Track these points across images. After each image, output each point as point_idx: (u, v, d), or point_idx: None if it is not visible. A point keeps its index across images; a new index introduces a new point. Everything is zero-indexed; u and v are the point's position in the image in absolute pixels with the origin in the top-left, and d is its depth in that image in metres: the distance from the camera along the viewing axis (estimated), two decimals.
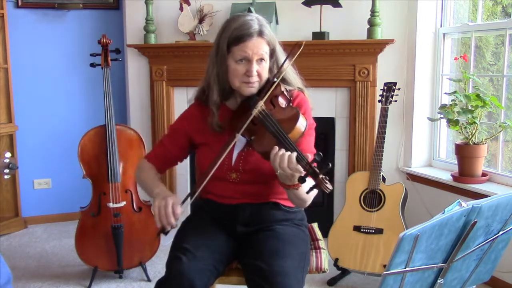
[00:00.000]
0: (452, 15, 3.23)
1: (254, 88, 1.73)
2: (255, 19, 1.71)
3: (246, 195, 1.78)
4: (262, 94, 1.70)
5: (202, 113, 1.83)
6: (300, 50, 1.74)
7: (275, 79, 1.74)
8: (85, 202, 2.95)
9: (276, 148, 1.54)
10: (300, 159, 1.48)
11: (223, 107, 1.81)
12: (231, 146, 1.69)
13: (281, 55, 1.79)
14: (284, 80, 1.80)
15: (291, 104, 1.76)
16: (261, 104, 1.66)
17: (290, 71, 1.81)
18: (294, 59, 1.76)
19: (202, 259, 1.65)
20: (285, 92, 1.74)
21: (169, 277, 1.62)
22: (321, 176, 1.43)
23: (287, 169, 1.50)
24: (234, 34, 1.68)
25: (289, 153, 1.51)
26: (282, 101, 1.73)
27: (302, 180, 1.45)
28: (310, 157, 1.49)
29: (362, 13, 3.27)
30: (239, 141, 1.76)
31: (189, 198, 1.71)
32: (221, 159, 1.68)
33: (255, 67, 1.69)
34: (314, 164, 1.47)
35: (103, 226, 2.83)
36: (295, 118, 1.62)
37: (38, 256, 3.31)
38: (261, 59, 1.70)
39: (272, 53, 1.76)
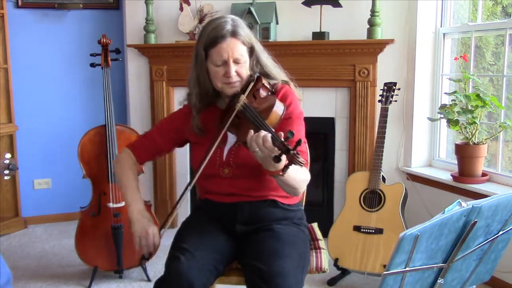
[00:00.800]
0: (452, 15, 3.23)
1: (235, 87, 1.75)
2: (229, 21, 1.73)
3: (242, 190, 1.78)
4: (245, 89, 1.73)
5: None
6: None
7: (256, 74, 1.77)
8: (85, 202, 2.95)
9: (252, 131, 1.54)
10: (274, 139, 1.49)
11: (214, 108, 1.84)
12: (217, 141, 1.71)
13: (261, 52, 1.82)
14: (266, 75, 1.81)
15: (270, 94, 1.77)
16: (243, 99, 1.68)
17: (270, 66, 1.83)
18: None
19: (201, 259, 1.66)
20: (266, 84, 1.77)
21: (167, 277, 1.63)
22: (292, 151, 1.45)
23: (264, 149, 1.49)
24: (209, 37, 1.71)
25: (263, 133, 1.51)
26: (263, 93, 1.75)
27: (277, 159, 1.46)
28: (282, 135, 1.49)
29: (362, 13, 3.27)
30: (230, 137, 1.79)
31: (167, 222, 1.79)
32: (209, 155, 1.71)
33: (233, 68, 1.72)
34: (288, 143, 1.47)
35: (103, 226, 2.83)
36: (271, 104, 1.65)
37: (38, 256, 3.31)
38: (238, 59, 1.72)
39: (251, 51, 1.78)
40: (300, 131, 1.79)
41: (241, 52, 1.73)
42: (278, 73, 1.86)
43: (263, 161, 1.54)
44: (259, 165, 1.64)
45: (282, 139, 1.47)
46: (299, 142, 1.45)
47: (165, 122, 1.99)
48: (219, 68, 1.73)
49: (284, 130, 1.62)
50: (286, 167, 1.49)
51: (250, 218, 1.80)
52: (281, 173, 1.51)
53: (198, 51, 1.75)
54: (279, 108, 1.66)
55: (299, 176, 1.66)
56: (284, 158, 1.47)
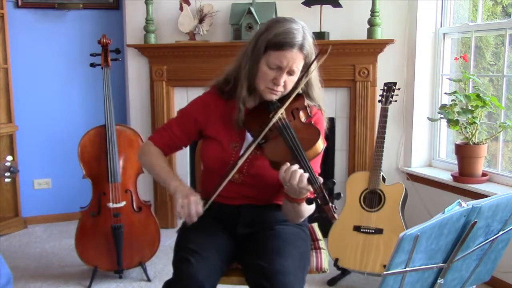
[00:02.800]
0: (452, 15, 3.23)
1: (276, 96, 1.71)
2: (300, 30, 1.65)
3: (247, 198, 1.77)
4: (284, 101, 1.67)
5: (216, 104, 1.80)
6: (325, 56, 1.70)
7: (300, 91, 1.72)
8: (85, 202, 2.95)
9: (288, 164, 1.52)
10: (313, 181, 1.46)
11: (234, 102, 1.77)
12: (253, 146, 1.65)
13: (315, 70, 1.76)
14: (307, 94, 1.77)
15: (311, 121, 1.73)
16: (282, 111, 1.64)
17: (316, 87, 1.78)
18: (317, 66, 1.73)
19: (210, 260, 1.65)
20: (307, 107, 1.72)
21: (179, 279, 1.61)
22: (330, 204, 1.42)
23: (296, 187, 1.49)
24: (276, 40, 1.63)
25: (301, 171, 1.48)
26: (302, 115, 1.71)
27: (309, 202, 1.44)
28: (321, 180, 1.47)
29: (362, 13, 3.27)
30: (247, 142, 1.74)
31: (212, 198, 1.69)
32: (241, 162, 1.64)
33: (284, 77, 1.66)
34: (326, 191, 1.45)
35: (103, 226, 2.83)
36: (315, 137, 1.59)
37: (38, 256, 3.31)
38: (293, 71, 1.67)
39: (305, 66, 1.72)
40: (318, 163, 1.74)
41: (299, 66, 1.67)
42: (319, 96, 1.80)
43: (288, 190, 1.52)
44: (271, 180, 1.64)
45: (321, 185, 1.43)
46: (338, 196, 1.41)
47: (185, 113, 1.85)
48: (271, 71, 1.65)
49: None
50: (310, 202, 1.45)
51: (252, 221, 1.79)
52: (299, 203, 1.47)
53: (259, 44, 1.66)
54: (320, 145, 1.60)
55: (310, 209, 1.64)
56: (317, 203, 1.43)
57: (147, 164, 1.86)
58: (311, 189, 1.48)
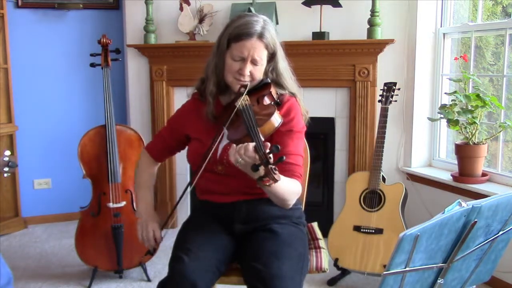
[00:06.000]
0: (452, 15, 3.23)
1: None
2: (260, 21, 1.73)
3: (237, 190, 1.78)
4: (251, 91, 1.73)
5: (197, 108, 1.87)
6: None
7: (268, 80, 1.77)
8: (85, 202, 2.95)
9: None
10: (258, 149, 1.47)
11: (217, 102, 1.84)
12: (219, 138, 1.71)
13: (281, 61, 1.81)
14: (278, 84, 1.81)
15: (274, 104, 1.76)
16: (245, 97, 1.68)
17: (285, 76, 1.83)
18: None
19: (205, 259, 1.66)
20: (273, 93, 1.76)
21: (171, 277, 1.62)
22: (270, 166, 1.42)
23: (245, 157, 1.48)
24: (235, 32, 1.72)
25: (246, 143, 1.50)
26: (267, 100, 1.75)
27: (254, 168, 1.44)
28: (268, 146, 1.47)
29: (362, 13, 3.27)
30: (225, 134, 1.78)
31: (169, 220, 1.87)
32: (211, 152, 1.70)
33: (248, 67, 1.72)
34: (271, 155, 1.45)
35: (103, 226, 2.83)
36: (270, 113, 1.65)
37: (38, 256, 3.31)
38: (256, 61, 1.72)
39: (272, 57, 1.78)
40: (297, 145, 1.77)
41: (261, 55, 1.73)
42: (291, 84, 1.84)
43: (244, 169, 1.53)
44: None
45: (267, 151, 1.45)
46: (280, 159, 1.44)
47: (173, 120, 1.99)
48: (236, 63, 1.73)
49: (282, 143, 1.65)
50: (255, 168, 1.45)
51: (248, 216, 1.80)
52: (267, 184, 1.48)
53: (222, 40, 1.77)
54: (276, 119, 1.65)
55: (290, 188, 1.64)
56: (261, 169, 1.44)
57: (135, 178, 2.08)
58: (258, 159, 1.46)
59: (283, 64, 1.82)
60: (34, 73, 3.83)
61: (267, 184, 1.47)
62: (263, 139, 1.54)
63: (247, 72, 1.72)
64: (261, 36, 1.71)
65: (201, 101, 1.87)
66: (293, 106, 1.81)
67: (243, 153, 1.48)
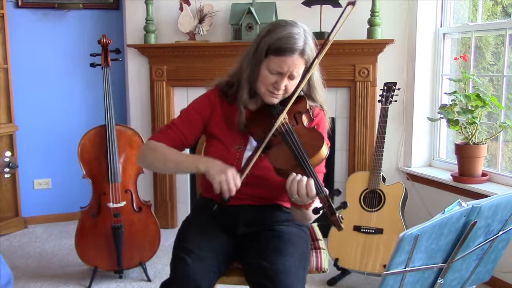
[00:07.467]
0: (452, 15, 3.23)
1: (277, 99, 1.71)
2: (302, 34, 1.64)
3: (248, 196, 1.76)
4: (285, 105, 1.66)
5: (220, 104, 1.80)
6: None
7: (302, 93, 1.71)
8: (85, 202, 2.95)
9: (294, 174, 1.52)
10: (319, 190, 1.46)
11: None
12: (255, 156, 1.63)
13: (317, 71, 1.76)
14: (309, 96, 1.77)
15: (314, 125, 1.73)
16: (284, 116, 1.64)
17: (318, 88, 1.78)
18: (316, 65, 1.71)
19: (207, 259, 1.65)
20: (309, 110, 1.72)
21: (174, 279, 1.61)
22: (337, 214, 1.42)
23: (304, 197, 1.49)
24: (277, 45, 1.62)
25: (306, 179, 1.49)
26: (305, 119, 1.70)
27: (316, 212, 1.44)
28: (327, 190, 1.47)
29: (362, 13, 3.26)
30: (250, 144, 1.75)
31: (247, 167, 1.64)
32: (248, 169, 1.62)
33: (285, 82, 1.66)
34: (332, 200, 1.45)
35: (103, 226, 2.83)
36: (320, 143, 1.58)
37: (38, 256, 3.31)
38: (294, 76, 1.67)
39: (308, 69, 1.70)
40: (323, 163, 1.73)
41: (300, 71, 1.66)
42: (322, 97, 1.79)
43: (296, 201, 1.52)
44: (274, 183, 1.64)
45: (327, 194, 1.43)
46: (344, 205, 1.42)
47: (191, 111, 1.81)
48: (272, 75, 1.65)
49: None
50: (317, 212, 1.45)
51: (253, 221, 1.79)
52: (306, 208, 1.47)
53: (261, 48, 1.65)
54: (324, 152, 1.59)
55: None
56: (322, 212, 1.43)
57: (157, 156, 1.75)
58: (319, 200, 1.48)
59: (317, 76, 1.77)
60: (34, 73, 3.83)
61: (306, 208, 1.49)
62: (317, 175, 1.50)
63: (282, 86, 1.66)
64: (303, 53, 1.63)
65: (225, 99, 1.79)
66: (322, 121, 1.78)
67: (304, 193, 1.47)
